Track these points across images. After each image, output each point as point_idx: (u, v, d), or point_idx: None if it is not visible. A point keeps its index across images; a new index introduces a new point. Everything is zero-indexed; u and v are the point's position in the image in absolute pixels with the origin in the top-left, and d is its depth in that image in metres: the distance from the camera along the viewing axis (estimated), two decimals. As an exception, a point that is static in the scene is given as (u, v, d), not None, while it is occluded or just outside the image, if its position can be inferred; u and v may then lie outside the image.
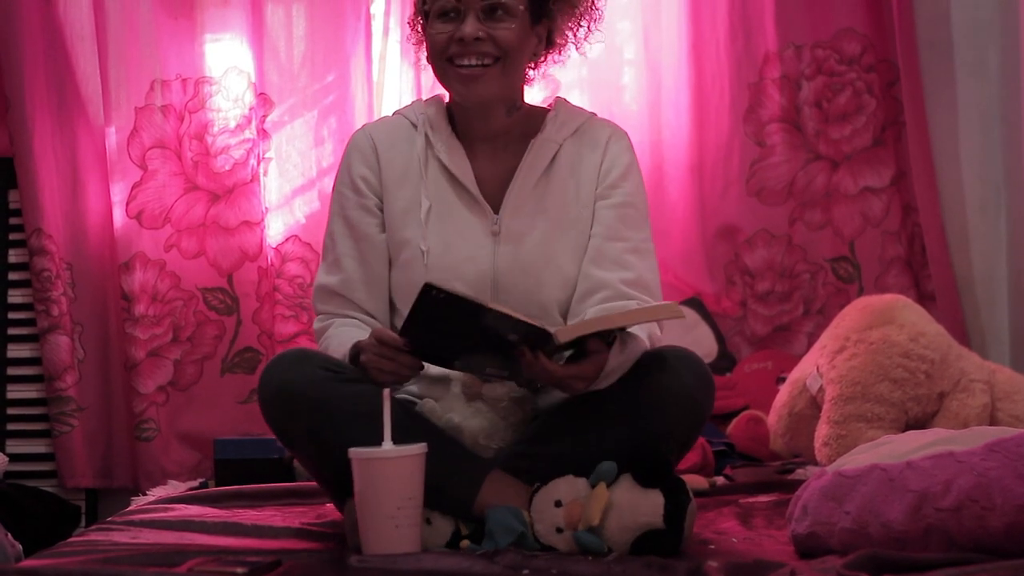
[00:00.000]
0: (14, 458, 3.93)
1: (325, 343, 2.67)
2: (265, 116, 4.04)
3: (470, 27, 2.59)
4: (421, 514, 2.31)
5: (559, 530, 2.36)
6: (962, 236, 4.00)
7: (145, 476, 3.96)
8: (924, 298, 3.92)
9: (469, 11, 2.60)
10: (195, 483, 3.63)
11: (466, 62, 2.61)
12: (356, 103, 4.03)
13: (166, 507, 2.93)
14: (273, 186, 4.05)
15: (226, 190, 4.02)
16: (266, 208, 4.03)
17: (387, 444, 2.28)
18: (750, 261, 4.05)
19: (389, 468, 2.26)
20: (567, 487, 2.39)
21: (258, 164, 4.02)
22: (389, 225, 2.71)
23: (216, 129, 4.02)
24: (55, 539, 2.73)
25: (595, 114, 2.80)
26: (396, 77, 4.01)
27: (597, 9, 2.78)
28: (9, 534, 2.57)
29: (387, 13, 4.03)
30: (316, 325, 2.75)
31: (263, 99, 4.04)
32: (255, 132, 4.02)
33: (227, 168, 4.02)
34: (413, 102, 2.85)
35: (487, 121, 2.70)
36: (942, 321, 3.43)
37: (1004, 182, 3.97)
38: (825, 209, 4.05)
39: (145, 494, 3.57)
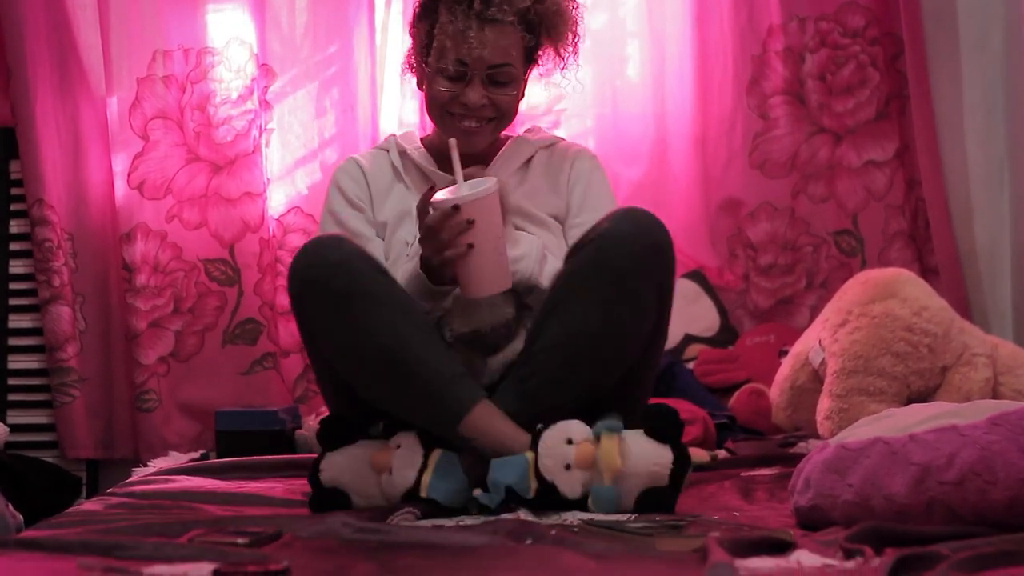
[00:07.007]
0: (15, 429, 3.94)
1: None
2: (267, 87, 4.03)
3: (475, 95, 2.72)
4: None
5: (568, 467, 2.36)
6: (965, 210, 3.98)
7: (146, 447, 3.97)
8: (927, 272, 3.92)
9: (475, 77, 2.71)
10: (196, 454, 3.63)
11: (466, 123, 2.73)
12: (359, 74, 4.02)
13: (167, 478, 2.93)
14: (275, 157, 4.04)
15: (228, 161, 4.01)
16: (268, 179, 4.02)
17: (465, 188, 2.47)
18: (753, 234, 4.04)
19: (492, 200, 2.44)
20: (579, 428, 2.41)
21: (260, 135, 4.01)
22: (379, 234, 2.83)
23: (218, 100, 4.01)
24: (56, 510, 2.73)
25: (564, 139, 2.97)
26: (399, 48, 3.98)
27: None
28: (10, 505, 2.57)
29: (389, -16, 4.02)
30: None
31: (265, 70, 4.02)
32: (257, 103, 4.01)
33: (229, 139, 4.00)
34: (387, 138, 2.96)
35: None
36: (945, 295, 3.42)
37: (1008, 156, 3.95)
38: (828, 182, 4.04)
39: (146, 465, 3.56)
